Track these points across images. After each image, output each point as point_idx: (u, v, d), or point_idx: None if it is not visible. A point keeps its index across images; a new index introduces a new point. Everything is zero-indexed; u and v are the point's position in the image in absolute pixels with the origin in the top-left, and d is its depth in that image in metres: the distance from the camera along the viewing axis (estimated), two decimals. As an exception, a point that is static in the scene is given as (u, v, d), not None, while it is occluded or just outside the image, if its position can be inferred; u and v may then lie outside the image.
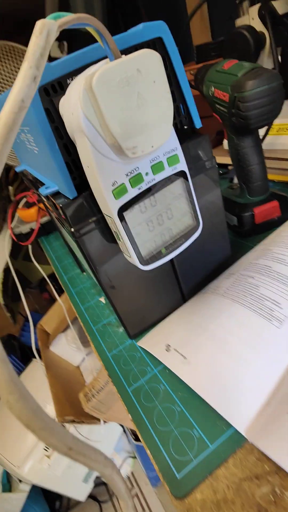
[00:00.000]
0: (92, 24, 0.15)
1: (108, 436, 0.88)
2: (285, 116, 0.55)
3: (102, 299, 0.44)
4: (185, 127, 0.29)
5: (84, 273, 0.52)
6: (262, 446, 0.20)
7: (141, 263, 0.25)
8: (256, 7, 0.51)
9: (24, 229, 0.72)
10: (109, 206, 0.21)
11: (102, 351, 0.35)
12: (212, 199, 0.33)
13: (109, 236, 0.27)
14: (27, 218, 0.73)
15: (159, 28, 0.23)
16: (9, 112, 0.12)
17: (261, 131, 0.47)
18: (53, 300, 1.37)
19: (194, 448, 0.23)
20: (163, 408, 0.26)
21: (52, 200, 0.27)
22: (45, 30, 0.14)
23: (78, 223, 0.26)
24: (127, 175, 0.21)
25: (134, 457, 1.05)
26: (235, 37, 0.53)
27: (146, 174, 0.22)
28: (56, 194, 0.28)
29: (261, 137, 0.48)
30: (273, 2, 0.48)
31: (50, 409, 0.86)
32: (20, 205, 0.74)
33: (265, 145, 0.54)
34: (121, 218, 0.22)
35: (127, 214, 0.22)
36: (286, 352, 0.23)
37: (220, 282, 0.32)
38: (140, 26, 0.23)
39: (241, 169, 0.41)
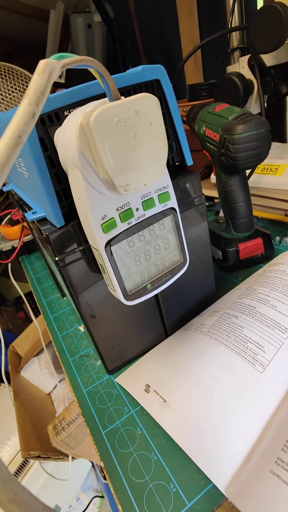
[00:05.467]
0: (95, 66, 0.15)
1: (75, 474, 0.82)
2: (269, 157, 0.58)
3: (81, 328, 0.42)
4: (177, 163, 0.29)
5: (65, 298, 0.50)
6: (242, 507, 0.18)
7: (125, 298, 0.24)
8: (246, 57, 0.55)
9: (6, 246, 0.70)
10: (96, 239, 0.21)
11: (77, 386, 0.33)
12: (199, 234, 0.33)
13: (94, 266, 0.26)
14: (10, 235, 0.71)
15: (157, 71, 0.24)
16: (5, 147, 0.11)
17: (247, 170, 0.50)
18: (29, 320, 1.31)
19: (170, 506, 0.21)
20: (138, 456, 0.24)
21: (38, 226, 0.27)
22: (48, 69, 0.14)
23: (63, 252, 0.25)
24: (117, 209, 0.21)
25: (102, 497, 0.98)
26: (226, 82, 0.56)
27: (137, 209, 0.22)
28: (43, 220, 0.27)
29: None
30: (261, 55, 0.52)
31: (14, 442, 0.80)
32: (4, 222, 0.72)
33: (250, 182, 0.57)
34: (108, 251, 0.22)
35: (114, 248, 0.22)
36: (269, 400, 0.22)
37: (204, 320, 0.31)
38: (140, 68, 0.24)
39: (227, 205, 0.42)
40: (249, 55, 0.55)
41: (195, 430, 0.22)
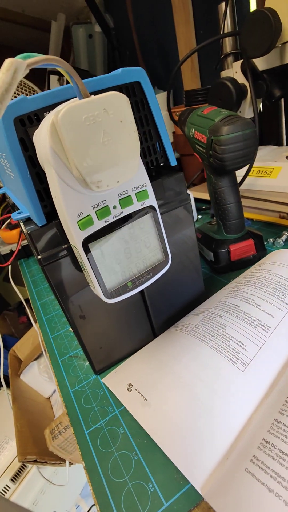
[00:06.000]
0: (61, 65, 0.16)
1: (74, 480, 0.81)
2: (264, 160, 0.58)
3: (72, 329, 0.42)
4: (161, 164, 0.29)
5: (58, 300, 0.50)
6: (217, 507, 0.18)
7: (105, 295, 0.24)
8: (239, 62, 0.56)
9: (4, 250, 0.71)
10: (74, 236, 0.21)
11: (64, 386, 0.33)
12: (186, 234, 0.33)
13: (78, 265, 0.26)
14: (8, 239, 0.72)
15: (138, 73, 0.25)
16: None
17: (241, 172, 0.50)
18: (31, 324, 1.32)
19: (147, 506, 0.21)
20: (119, 455, 0.24)
21: (22, 225, 0.27)
22: (13, 68, 0.14)
23: (46, 250, 0.25)
24: (94, 207, 0.21)
25: (102, 505, 0.96)
26: (219, 86, 0.57)
27: (114, 207, 0.22)
28: (28, 220, 0.28)
29: (240, 178, 0.50)
30: (253, 60, 0.53)
31: (13, 446, 0.79)
32: (3, 226, 0.73)
33: (245, 185, 0.57)
34: (86, 249, 0.22)
35: (92, 246, 0.22)
36: (249, 399, 0.22)
37: (189, 319, 0.31)
38: (119, 70, 0.24)
39: (218, 207, 0.42)
40: (241, 60, 0.55)
41: (174, 428, 0.22)
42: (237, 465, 0.19)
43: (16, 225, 0.71)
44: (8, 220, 0.72)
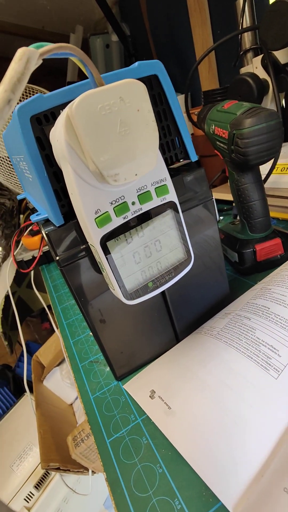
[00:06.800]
0: (75, 53, 0.15)
1: (97, 490, 0.79)
2: (289, 157, 0.56)
3: (93, 333, 0.41)
4: (181, 160, 0.28)
5: (79, 305, 0.50)
6: (252, 531, 0.16)
7: (125, 297, 0.23)
8: (259, 57, 0.54)
9: (27, 256, 0.72)
10: (91, 235, 0.20)
11: (84, 392, 0.32)
12: (209, 233, 0.31)
13: (97, 266, 0.26)
14: (30, 245, 0.73)
15: (155, 66, 0.24)
16: None
17: (265, 169, 0.47)
18: (53, 330, 1.34)
19: (173, 524, 0.19)
20: (142, 467, 0.23)
21: (40, 226, 0.27)
22: (25, 57, 0.14)
23: (64, 251, 0.25)
24: (111, 203, 0.20)
25: (126, 516, 0.94)
26: (239, 83, 0.55)
27: (133, 203, 0.21)
28: (47, 221, 0.27)
29: (264, 175, 0.48)
30: (275, 53, 0.51)
31: (36, 452, 0.80)
32: (26, 233, 0.74)
33: (269, 183, 0.54)
34: (104, 248, 0.21)
35: (111, 244, 0.21)
36: (284, 409, 0.20)
37: (214, 322, 0.29)
38: (136, 64, 0.24)
39: (241, 205, 0.40)
40: (262, 55, 0.53)
41: (201, 440, 0.20)
42: (274, 484, 0.17)
43: (38, 232, 0.73)
44: (30, 227, 0.74)
